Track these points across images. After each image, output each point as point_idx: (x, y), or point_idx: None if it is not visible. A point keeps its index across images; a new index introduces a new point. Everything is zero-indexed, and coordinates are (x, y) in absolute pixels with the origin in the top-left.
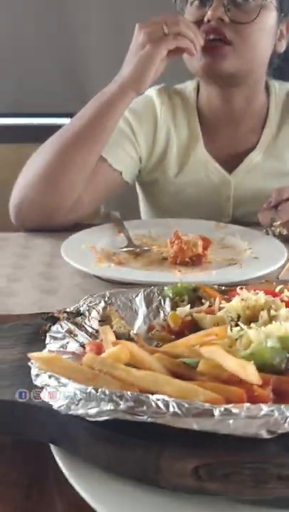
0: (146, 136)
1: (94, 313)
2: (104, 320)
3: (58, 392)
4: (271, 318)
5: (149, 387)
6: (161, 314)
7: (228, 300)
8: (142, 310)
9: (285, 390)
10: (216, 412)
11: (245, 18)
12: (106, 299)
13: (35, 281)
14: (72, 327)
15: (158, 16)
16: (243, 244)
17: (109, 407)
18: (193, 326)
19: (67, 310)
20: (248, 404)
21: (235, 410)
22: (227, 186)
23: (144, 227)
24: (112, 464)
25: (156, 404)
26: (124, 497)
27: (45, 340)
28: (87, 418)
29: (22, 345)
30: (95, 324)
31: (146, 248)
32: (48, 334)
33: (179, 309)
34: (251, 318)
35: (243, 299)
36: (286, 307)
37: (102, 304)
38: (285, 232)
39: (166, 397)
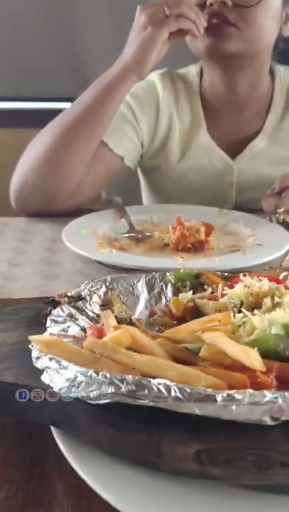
0: (148, 120)
1: (95, 298)
2: (106, 305)
3: (59, 375)
4: (275, 305)
5: (150, 371)
6: (163, 300)
7: (231, 287)
8: (144, 295)
9: (288, 377)
10: (219, 398)
11: (248, 2)
12: (107, 283)
13: (36, 266)
14: (73, 311)
15: None
16: (247, 231)
17: (111, 390)
18: (195, 312)
19: (69, 294)
20: (251, 391)
21: (238, 396)
22: (230, 172)
23: (146, 212)
24: (113, 447)
25: (158, 388)
26: (125, 479)
27: (45, 323)
28: (88, 401)
29: (23, 329)
30: (96, 309)
31: (147, 234)
32: (48, 318)
33: (181, 295)
34: (254, 305)
35: (246, 286)
36: None
37: (104, 288)
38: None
39: (167, 382)
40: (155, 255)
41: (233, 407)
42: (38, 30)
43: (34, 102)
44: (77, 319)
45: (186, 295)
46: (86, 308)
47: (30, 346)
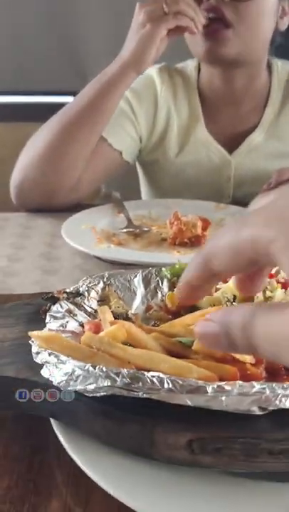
0: (146, 115)
1: (93, 294)
2: (103, 300)
3: (58, 369)
4: (266, 299)
5: (145, 364)
6: (159, 295)
7: (225, 281)
8: (140, 290)
9: (277, 369)
10: (209, 389)
11: None
12: (105, 279)
13: (36, 261)
14: (71, 307)
15: None
16: None
17: (107, 383)
18: (189, 307)
19: (67, 290)
20: (240, 382)
21: (227, 387)
22: (227, 167)
23: (144, 207)
24: (110, 438)
25: (152, 380)
26: (122, 469)
27: (45, 319)
28: (86, 394)
29: (23, 324)
30: (94, 304)
31: (145, 229)
32: (48, 314)
33: (176, 290)
34: (247, 299)
35: None
36: (281, 288)
37: (101, 284)
38: None
39: (161, 374)
40: (153, 250)
41: (223, 398)
42: (38, 24)
43: (33, 96)
44: (76, 315)
45: None
46: (84, 303)
47: (30, 342)
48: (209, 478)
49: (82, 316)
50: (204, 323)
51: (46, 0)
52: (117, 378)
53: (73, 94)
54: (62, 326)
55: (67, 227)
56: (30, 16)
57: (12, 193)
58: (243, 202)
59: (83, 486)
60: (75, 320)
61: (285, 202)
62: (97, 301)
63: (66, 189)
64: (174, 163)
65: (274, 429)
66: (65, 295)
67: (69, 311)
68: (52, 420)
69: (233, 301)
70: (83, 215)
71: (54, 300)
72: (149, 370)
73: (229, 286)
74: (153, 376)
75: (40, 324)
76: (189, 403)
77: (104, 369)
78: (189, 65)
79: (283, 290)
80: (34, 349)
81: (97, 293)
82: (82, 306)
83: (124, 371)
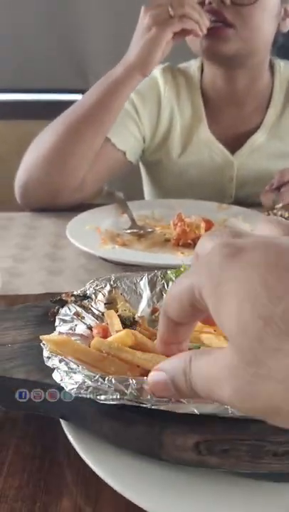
0: (149, 115)
1: (100, 297)
2: (110, 303)
3: (68, 377)
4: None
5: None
6: (165, 297)
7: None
8: (146, 293)
9: None
10: None
11: (246, 0)
12: (111, 282)
13: (41, 262)
14: (79, 310)
15: None
16: (246, 226)
17: (116, 396)
18: None
19: (75, 293)
20: None
21: None
22: (230, 167)
23: (148, 207)
24: (119, 439)
25: None
26: (131, 468)
27: (53, 322)
28: (96, 401)
29: (32, 327)
30: (101, 307)
31: (149, 230)
32: (57, 317)
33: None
34: None
35: None
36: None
37: (108, 287)
38: (287, 214)
39: None
40: (156, 251)
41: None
42: (38, 22)
43: (34, 93)
44: (84, 318)
45: None
46: (92, 306)
47: (41, 345)
48: (215, 478)
49: (90, 319)
50: (154, 373)
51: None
52: (126, 391)
53: (73, 92)
54: (71, 329)
55: (72, 227)
56: (30, 14)
57: (17, 193)
58: (245, 202)
59: (93, 485)
60: (83, 323)
61: (213, 249)
62: (104, 304)
63: (70, 189)
64: (176, 163)
65: (278, 431)
66: (73, 298)
67: (77, 314)
68: (62, 421)
69: None
70: (87, 215)
71: (62, 303)
72: None
73: None
74: None
75: (49, 326)
76: (196, 412)
77: (113, 381)
78: (192, 66)
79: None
80: (45, 353)
81: (104, 296)
82: (90, 308)
83: (133, 384)
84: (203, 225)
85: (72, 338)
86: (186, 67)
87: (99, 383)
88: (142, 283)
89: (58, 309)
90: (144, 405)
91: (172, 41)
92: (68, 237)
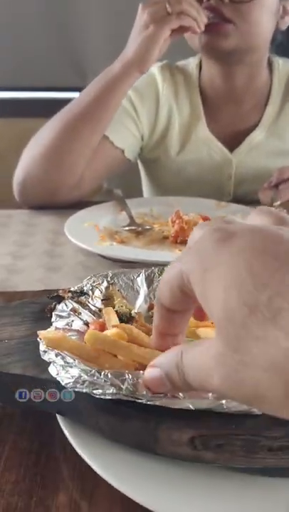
0: (148, 113)
1: (97, 293)
2: (107, 299)
3: (64, 371)
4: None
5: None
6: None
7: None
8: (143, 289)
9: None
10: (210, 394)
11: None
12: (109, 278)
13: (39, 259)
14: (76, 306)
15: None
16: None
17: (112, 390)
18: None
19: (72, 289)
20: None
21: None
22: (228, 165)
23: (146, 205)
24: (115, 434)
25: None
26: (126, 463)
27: (50, 318)
28: (92, 395)
29: (29, 323)
30: (98, 303)
31: (147, 227)
32: (54, 313)
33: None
34: None
35: None
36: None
37: (105, 283)
38: (285, 212)
39: None
40: (155, 248)
41: (223, 402)
42: (38, 21)
43: (32, 91)
44: (81, 313)
45: None
46: (89, 302)
47: (38, 339)
48: (211, 473)
49: (86, 315)
50: (150, 370)
51: None
52: (122, 386)
53: (71, 90)
54: (68, 324)
55: (70, 224)
56: (30, 12)
57: (15, 190)
58: (243, 200)
59: (89, 480)
60: (80, 319)
61: (204, 234)
62: (101, 300)
63: (69, 186)
64: (175, 161)
65: (273, 426)
66: (69, 294)
67: (74, 310)
68: (58, 416)
69: None
70: (86, 212)
71: (59, 299)
72: None
73: None
74: None
75: (46, 322)
76: (191, 407)
77: (109, 375)
78: (191, 63)
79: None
80: (42, 348)
81: (101, 292)
82: (87, 304)
83: (129, 378)
84: (201, 222)
85: (69, 334)
86: (185, 65)
87: (95, 378)
88: (139, 279)
89: (55, 305)
90: (140, 400)
91: (170, 38)
92: (66, 234)
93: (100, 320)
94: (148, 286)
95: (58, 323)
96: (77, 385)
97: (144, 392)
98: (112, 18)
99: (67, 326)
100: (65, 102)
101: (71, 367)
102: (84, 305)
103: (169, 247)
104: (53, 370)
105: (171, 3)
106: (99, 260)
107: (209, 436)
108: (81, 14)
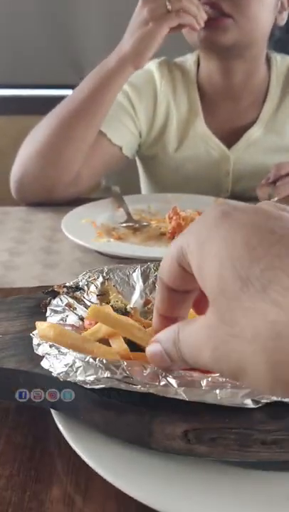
0: (146, 110)
1: (92, 288)
2: (103, 294)
3: (58, 361)
4: None
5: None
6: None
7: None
8: (139, 285)
9: None
10: (204, 383)
11: None
12: (104, 274)
13: (36, 255)
14: (71, 301)
15: None
16: None
17: (106, 374)
18: None
19: (67, 285)
20: None
21: (221, 380)
22: (226, 161)
23: (144, 201)
24: (109, 428)
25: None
26: (121, 457)
27: (45, 313)
28: (85, 386)
29: (24, 318)
30: (94, 298)
31: (144, 223)
32: (48, 308)
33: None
34: None
35: None
36: None
37: (101, 279)
38: None
39: (157, 370)
40: (152, 244)
41: (217, 391)
42: (36, 19)
43: (30, 89)
44: (76, 308)
45: None
46: (84, 298)
47: (31, 334)
48: (204, 467)
49: (82, 310)
50: (151, 345)
51: None
52: (117, 370)
53: (70, 87)
54: (62, 319)
55: (67, 221)
56: (28, 10)
57: (12, 188)
58: (241, 196)
59: (83, 474)
60: (75, 314)
61: (209, 209)
62: (97, 296)
63: (65, 183)
64: (173, 157)
65: (266, 420)
66: (65, 289)
67: (69, 305)
68: (53, 411)
69: None
70: (83, 209)
71: (54, 294)
72: None
73: None
74: (149, 372)
75: (41, 318)
76: (185, 397)
77: (104, 361)
78: (188, 60)
79: None
80: (35, 341)
81: (97, 287)
82: (82, 300)
83: (124, 364)
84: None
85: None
86: (183, 62)
87: (89, 363)
88: (134, 275)
89: (50, 300)
90: (134, 387)
91: (167, 34)
92: (63, 231)
93: None
94: (144, 282)
95: (52, 318)
96: (71, 374)
97: (139, 379)
98: (110, 17)
99: (61, 321)
100: (64, 99)
101: (65, 355)
102: (79, 300)
103: (166, 243)
104: (45, 364)
105: (171, 0)
106: (96, 257)
107: (202, 429)
108: (80, 12)
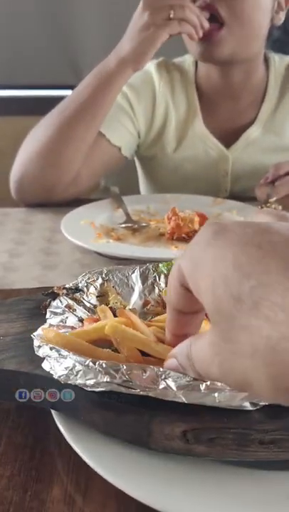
0: (144, 111)
1: (92, 289)
2: (102, 296)
3: (58, 363)
4: None
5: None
6: (156, 290)
7: None
8: (138, 286)
9: None
10: (202, 387)
11: None
12: (103, 275)
13: (36, 256)
14: (71, 302)
15: None
16: (240, 220)
17: (106, 379)
18: None
19: (67, 286)
20: None
21: (220, 384)
22: (225, 161)
23: (143, 202)
24: (109, 429)
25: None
26: (120, 457)
27: (45, 314)
28: (85, 388)
29: (24, 319)
30: (93, 300)
31: (143, 224)
32: (48, 309)
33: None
34: None
35: None
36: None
37: (100, 280)
38: (280, 208)
39: (157, 369)
40: (151, 245)
41: (216, 395)
42: (34, 19)
43: (29, 90)
44: (75, 310)
45: None
46: (83, 299)
47: (32, 336)
48: (204, 467)
49: (81, 312)
50: (169, 361)
51: None
52: (116, 375)
53: (70, 88)
54: (62, 321)
55: (67, 222)
56: (28, 10)
57: (12, 188)
58: (240, 196)
59: (83, 474)
60: (75, 315)
61: (199, 233)
62: (96, 297)
63: (65, 184)
64: (172, 158)
65: (265, 420)
66: (64, 291)
67: (68, 307)
68: (53, 411)
69: None
70: (82, 210)
71: (54, 296)
72: None
73: None
74: (148, 375)
75: (41, 319)
76: (184, 400)
77: (104, 365)
78: (187, 60)
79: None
80: (36, 343)
81: (96, 288)
82: (82, 301)
83: (123, 368)
84: (197, 219)
85: (62, 330)
86: (181, 62)
87: (89, 367)
88: (133, 276)
89: (50, 302)
90: (134, 391)
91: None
92: (63, 232)
93: (95, 316)
94: (143, 283)
95: (52, 319)
96: (71, 377)
97: (138, 383)
98: (110, 17)
99: (61, 323)
100: (63, 99)
101: (65, 358)
102: (79, 302)
103: (165, 243)
104: (46, 366)
105: (174, 9)
106: (95, 257)
107: (201, 429)
108: (80, 13)
